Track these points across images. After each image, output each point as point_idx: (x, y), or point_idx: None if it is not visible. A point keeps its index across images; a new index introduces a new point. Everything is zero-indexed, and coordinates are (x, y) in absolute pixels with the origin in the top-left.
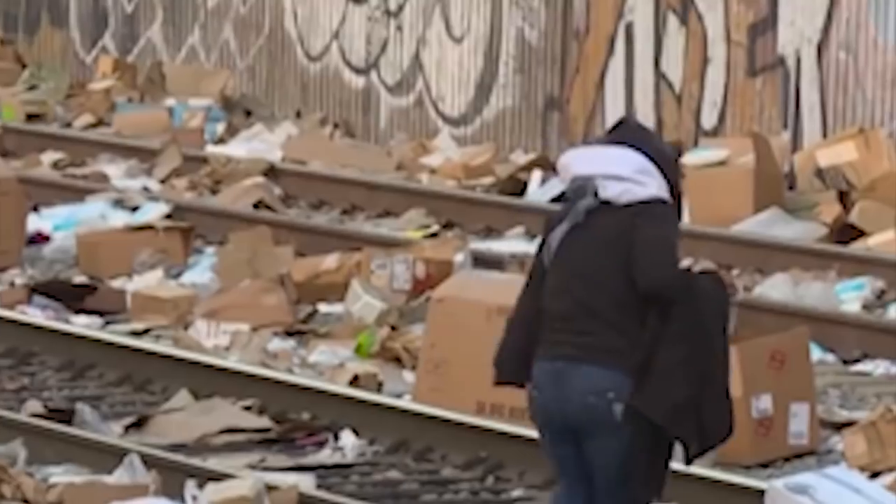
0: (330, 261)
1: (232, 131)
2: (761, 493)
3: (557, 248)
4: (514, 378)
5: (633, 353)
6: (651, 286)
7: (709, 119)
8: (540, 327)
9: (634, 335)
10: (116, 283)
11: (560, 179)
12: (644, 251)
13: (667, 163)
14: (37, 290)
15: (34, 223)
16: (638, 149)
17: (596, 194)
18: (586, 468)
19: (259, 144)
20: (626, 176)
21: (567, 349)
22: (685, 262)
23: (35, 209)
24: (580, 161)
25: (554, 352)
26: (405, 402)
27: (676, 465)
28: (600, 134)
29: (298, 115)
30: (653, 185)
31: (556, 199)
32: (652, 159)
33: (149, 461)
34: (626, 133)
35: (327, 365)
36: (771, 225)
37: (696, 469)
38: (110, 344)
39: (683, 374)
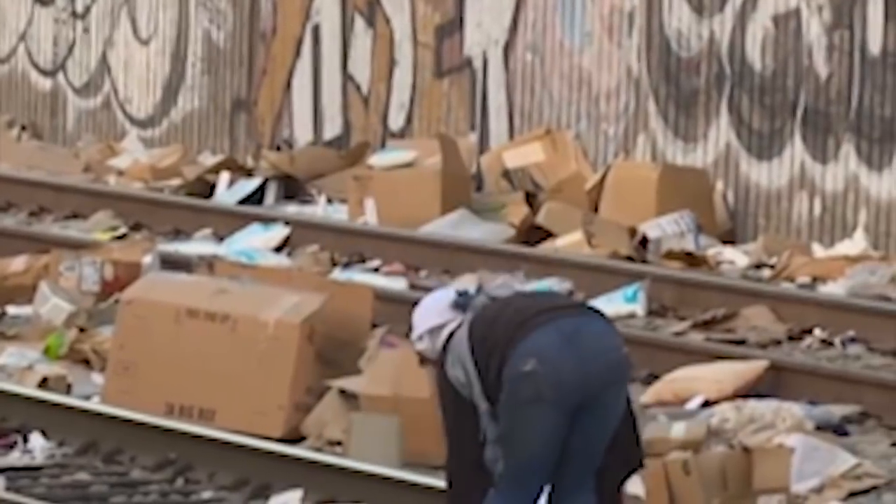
0: (18, 263)
1: None
2: None
3: None
4: None
5: None
6: None
7: (396, 120)
8: None
9: None
10: None
11: None
12: None
13: None
14: None
15: None
16: None
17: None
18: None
19: None
20: None
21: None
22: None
23: None
24: None
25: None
26: (94, 404)
27: (366, 466)
28: (287, 135)
29: None
30: None
31: (243, 201)
32: None
33: None
34: None
35: (16, 367)
36: (458, 226)
37: (385, 470)
38: None
39: None
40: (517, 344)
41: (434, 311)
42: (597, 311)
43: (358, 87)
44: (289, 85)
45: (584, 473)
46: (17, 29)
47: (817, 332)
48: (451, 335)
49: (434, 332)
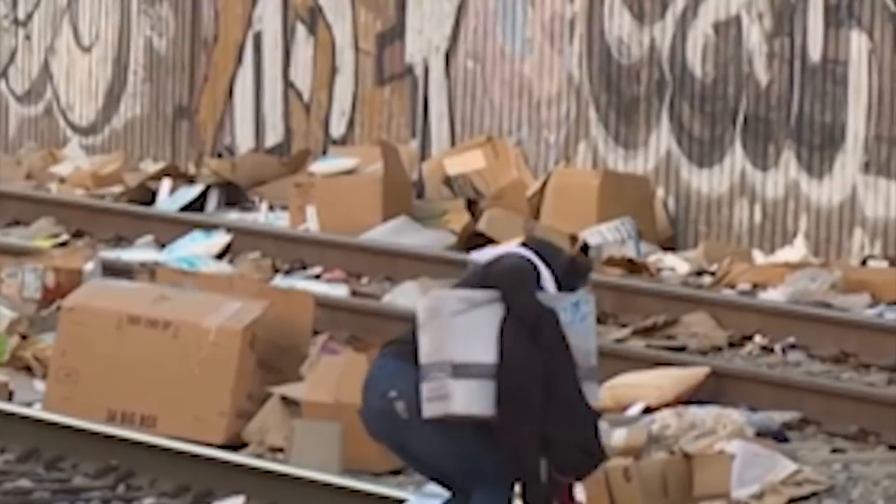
0: None
1: None
2: (390, 499)
3: None
4: None
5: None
6: None
7: (337, 128)
8: None
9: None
10: None
11: None
12: None
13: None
14: None
15: None
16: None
17: None
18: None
19: None
20: None
21: None
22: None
23: None
24: None
25: None
26: (36, 411)
27: (308, 472)
28: (228, 142)
29: None
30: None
31: (185, 208)
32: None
33: None
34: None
35: None
36: (400, 233)
37: (326, 476)
38: None
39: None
40: None
41: None
42: (398, 351)
43: (299, 95)
44: (230, 92)
45: (463, 487)
46: None
47: (758, 338)
48: None
49: None
